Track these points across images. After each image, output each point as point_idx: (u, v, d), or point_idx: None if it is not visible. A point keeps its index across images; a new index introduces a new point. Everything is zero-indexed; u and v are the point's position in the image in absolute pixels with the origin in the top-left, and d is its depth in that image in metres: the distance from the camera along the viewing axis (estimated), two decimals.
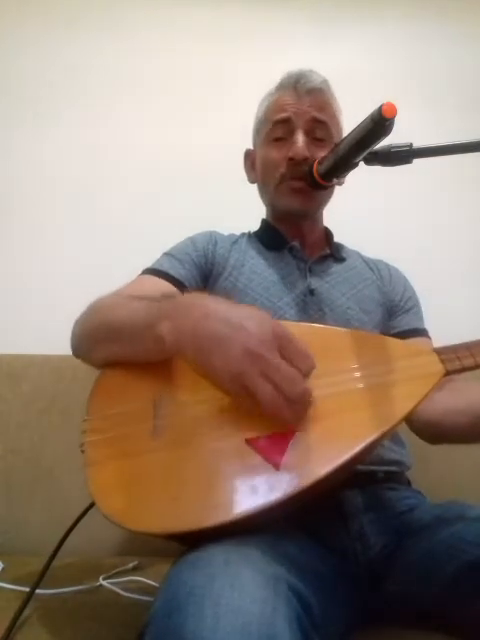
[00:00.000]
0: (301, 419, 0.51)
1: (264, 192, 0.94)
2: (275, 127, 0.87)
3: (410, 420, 0.79)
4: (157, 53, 1.52)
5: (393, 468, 0.76)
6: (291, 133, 0.85)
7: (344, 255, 0.96)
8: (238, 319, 0.50)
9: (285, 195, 0.87)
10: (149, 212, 1.42)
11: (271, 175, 0.88)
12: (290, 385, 0.48)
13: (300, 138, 0.84)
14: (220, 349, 0.49)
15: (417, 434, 0.79)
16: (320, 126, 0.86)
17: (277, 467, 0.49)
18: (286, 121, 0.85)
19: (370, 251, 1.01)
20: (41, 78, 1.48)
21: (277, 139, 0.87)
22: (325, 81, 0.87)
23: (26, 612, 0.60)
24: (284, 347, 0.49)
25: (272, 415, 0.50)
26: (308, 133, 0.85)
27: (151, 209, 1.42)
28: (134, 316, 0.61)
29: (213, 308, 0.53)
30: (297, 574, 0.46)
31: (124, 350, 0.63)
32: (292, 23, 1.56)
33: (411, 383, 0.57)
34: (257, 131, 0.94)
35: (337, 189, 0.93)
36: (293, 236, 0.92)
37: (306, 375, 0.50)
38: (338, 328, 0.66)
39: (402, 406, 0.55)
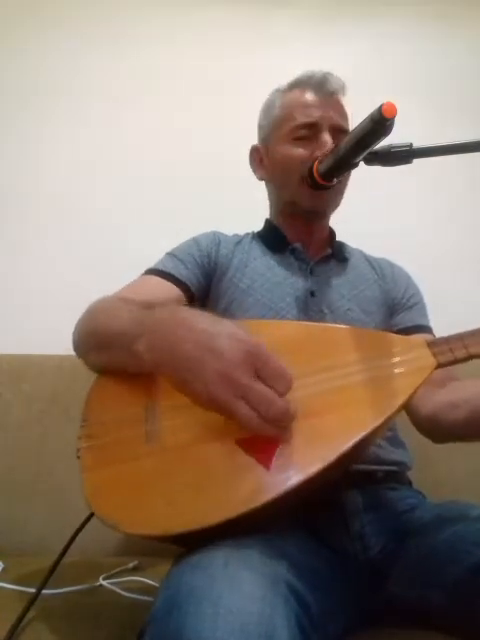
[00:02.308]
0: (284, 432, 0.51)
1: (281, 189, 0.92)
2: (299, 126, 0.86)
3: (412, 415, 0.79)
4: (157, 54, 1.52)
5: (393, 468, 0.77)
6: (316, 133, 0.85)
7: (346, 255, 0.95)
8: (211, 340, 0.50)
9: (309, 195, 0.85)
10: (150, 212, 1.41)
11: (294, 172, 0.85)
12: (267, 407, 0.48)
13: (328, 139, 0.83)
14: (196, 373, 0.49)
15: (419, 430, 0.79)
16: (341, 133, 0.85)
17: (268, 466, 0.49)
18: (313, 123, 0.85)
19: (371, 248, 1.01)
20: (40, 78, 1.47)
21: (300, 138, 0.86)
22: (344, 86, 0.88)
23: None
24: (260, 368, 0.49)
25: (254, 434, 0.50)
26: (331, 135, 0.84)
27: (152, 209, 1.42)
28: (120, 329, 0.61)
29: (188, 328, 0.52)
30: (296, 574, 0.46)
31: (112, 360, 0.63)
32: (292, 24, 1.56)
33: (402, 377, 0.57)
34: (273, 127, 0.91)
35: (339, 188, 0.93)
36: (298, 236, 0.91)
37: (282, 394, 0.49)
38: (330, 325, 0.66)
39: (393, 401, 0.55)
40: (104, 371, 0.66)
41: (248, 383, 0.48)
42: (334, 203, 0.91)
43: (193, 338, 0.51)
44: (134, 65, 1.51)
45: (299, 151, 0.85)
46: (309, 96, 0.86)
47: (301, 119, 0.86)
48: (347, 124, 0.88)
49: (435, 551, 0.62)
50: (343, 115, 0.88)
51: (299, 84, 0.88)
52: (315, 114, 0.85)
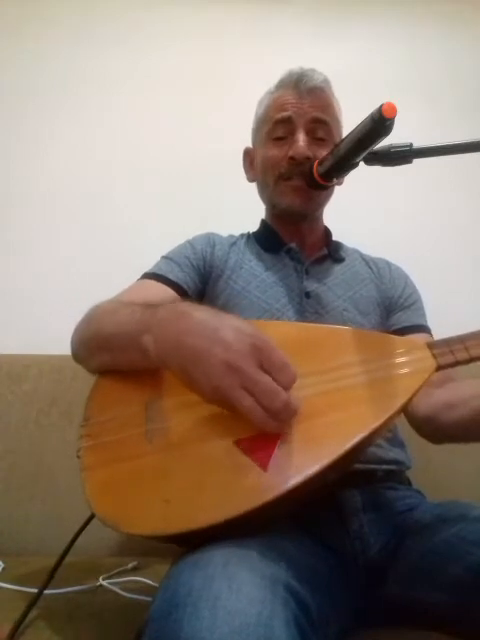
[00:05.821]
0: (285, 428, 0.51)
1: (263, 191, 0.93)
2: (276, 126, 0.86)
3: (410, 417, 0.79)
4: (157, 53, 1.52)
5: (392, 467, 0.76)
6: (292, 132, 0.85)
7: (343, 255, 0.95)
8: (217, 331, 0.50)
9: (285, 194, 0.86)
10: (148, 213, 1.41)
11: (271, 174, 0.87)
12: (270, 399, 0.48)
13: (301, 137, 0.83)
14: (200, 363, 0.49)
15: (417, 431, 0.79)
16: (321, 126, 0.85)
17: (265, 468, 0.49)
18: (287, 120, 0.85)
19: (369, 248, 1.01)
20: (40, 78, 1.47)
21: (278, 138, 0.86)
22: (326, 80, 0.87)
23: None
24: (264, 359, 0.49)
25: (256, 427, 0.50)
26: (309, 132, 0.84)
27: (151, 210, 1.42)
28: (122, 327, 0.62)
29: (194, 320, 0.52)
30: (295, 575, 0.46)
31: (115, 360, 0.64)
32: (292, 23, 1.56)
33: (402, 379, 0.56)
34: (257, 129, 0.93)
35: (337, 187, 0.93)
36: (292, 237, 0.91)
37: (287, 388, 0.49)
38: (330, 326, 0.66)
39: (392, 403, 0.54)
40: (107, 371, 0.66)
41: (254, 374, 0.47)
42: (317, 205, 0.90)
43: (198, 330, 0.51)
44: (134, 65, 1.50)
45: (273, 152, 0.86)
46: (286, 94, 0.86)
47: (275, 116, 0.86)
48: (329, 115, 0.86)
49: (435, 551, 0.62)
50: (323, 107, 0.86)
51: (280, 84, 0.88)
52: (289, 110, 0.85)
